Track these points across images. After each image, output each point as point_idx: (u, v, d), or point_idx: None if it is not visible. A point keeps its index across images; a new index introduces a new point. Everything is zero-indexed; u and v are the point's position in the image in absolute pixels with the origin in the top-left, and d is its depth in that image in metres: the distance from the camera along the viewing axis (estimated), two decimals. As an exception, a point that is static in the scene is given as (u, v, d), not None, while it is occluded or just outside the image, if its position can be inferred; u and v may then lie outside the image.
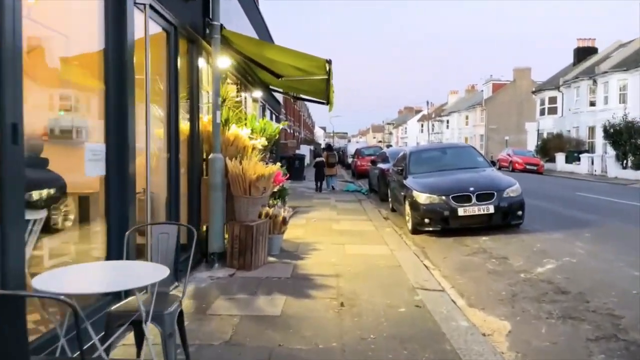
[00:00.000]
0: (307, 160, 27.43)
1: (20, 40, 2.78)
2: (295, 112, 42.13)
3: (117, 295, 3.43)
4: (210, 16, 6.22)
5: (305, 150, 32.52)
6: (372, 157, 20.40)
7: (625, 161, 26.48)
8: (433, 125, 72.31)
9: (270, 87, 12.04)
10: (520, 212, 8.94)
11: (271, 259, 6.76)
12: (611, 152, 27.93)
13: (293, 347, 3.80)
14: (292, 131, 37.28)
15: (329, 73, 6.83)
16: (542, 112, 41.19)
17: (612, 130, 27.10)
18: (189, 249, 5.89)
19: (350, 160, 32.23)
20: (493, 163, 12.14)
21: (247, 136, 7.00)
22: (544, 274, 6.14)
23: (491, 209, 8.66)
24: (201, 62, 6.49)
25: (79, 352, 1.91)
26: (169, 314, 3.04)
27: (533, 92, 44.22)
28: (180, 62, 5.64)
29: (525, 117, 47.89)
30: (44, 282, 2.61)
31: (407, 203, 9.55)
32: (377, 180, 15.68)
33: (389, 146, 57.59)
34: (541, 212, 10.94)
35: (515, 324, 4.59)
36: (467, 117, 59.70)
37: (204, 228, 6.46)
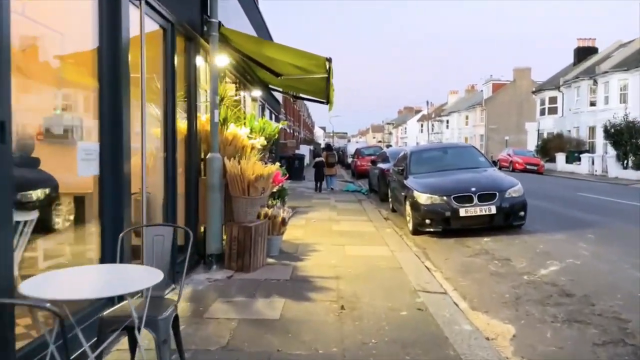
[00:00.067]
0: (306, 160, 27.33)
1: (7, 36, 2.67)
2: (295, 112, 42.02)
3: (110, 299, 3.33)
4: (208, 13, 6.11)
5: (304, 150, 32.40)
6: (372, 157, 20.30)
7: (626, 161, 26.39)
8: (433, 125, 72.22)
9: (270, 86, 11.93)
10: (522, 213, 8.83)
11: (270, 260, 6.65)
12: (612, 152, 27.84)
13: (292, 352, 3.69)
14: (291, 131, 37.17)
15: (329, 71, 6.72)
16: (542, 112, 41.11)
17: (613, 130, 27.01)
18: (186, 251, 5.80)
19: (350, 160, 32.12)
20: (494, 163, 12.02)
21: (245, 136, 6.90)
22: (547, 276, 6.03)
23: (493, 210, 8.56)
24: (199, 60, 6.39)
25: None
26: (163, 320, 2.94)
27: (533, 92, 44.13)
28: (177, 59, 5.53)
29: (525, 117, 47.81)
30: (33, 286, 2.51)
31: (407, 203, 9.44)
32: (377, 180, 15.58)
33: (388, 146, 57.49)
34: (543, 213, 10.84)
35: (520, 327, 4.49)
36: (467, 117, 59.62)
37: (202, 229, 6.35)
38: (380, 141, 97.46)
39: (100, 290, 2.61)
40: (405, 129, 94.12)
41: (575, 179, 25.23)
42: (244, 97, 10.55)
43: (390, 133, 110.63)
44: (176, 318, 3.23)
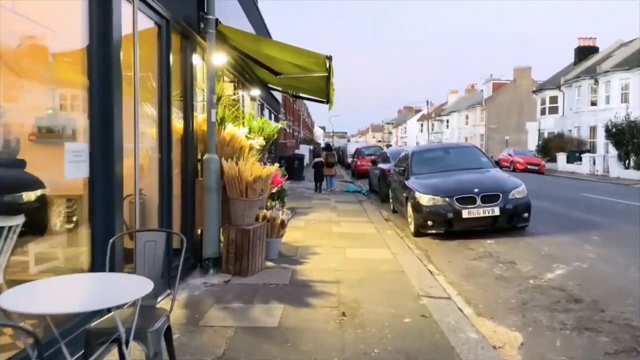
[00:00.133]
0: (306, 160, 27.16)
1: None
2: (295, 112, 41.84)
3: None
4: (205, 10, 5.93)
5: (304, 150, 32.23)
6: (373, 157, 20.13)
7: (627, 161, 26.23)
8: (433, 124, 72.05)
9: (269, 85, 11.76)
10: (526, 215, 8.66)
11: (269, 263, 6.48)
12: (613, 152, 27.68)
13: (291, 363, 3.52)
14: (291, 131, 37.00)
15: (329, 70, 6.55)
16: (542, 112, 40.94)
17: (614, 129, 26.85)
18: (180, 257, 5.64)
19: (350, 160, 31.95)
20: (497, 163, 11.86)
21: (244, 136, 6.73)
22: (554, 280, 5.87)
23: (496, 211, 8.39)
24: (196, 59, 6.21)
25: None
26: (153, 332, 2.77)
27: (534, 92, 43.97)
28: (173, 57, 5.36)
29: (526, 117, 47.65)
30: (14, 298, 2.34)
31: (409, 205, 9.27)
32: (378, 181, 15.42)
33: (388, 146, 57.38)
34: (546, 214, 10.68)
35: (528, 335, 4.32)
36: (467, 117, 59.46)
37: (199, 232, 6.18)
38: (380, 141, 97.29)
39: (85, 303, 2.44)
40: (405, 128, 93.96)
41: (576, 179, 25.08)
42: (243, 96, 10.38)
43: (390, 133, 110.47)
44: (168, 329, 3.07)
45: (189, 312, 4.59)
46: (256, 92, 11.12)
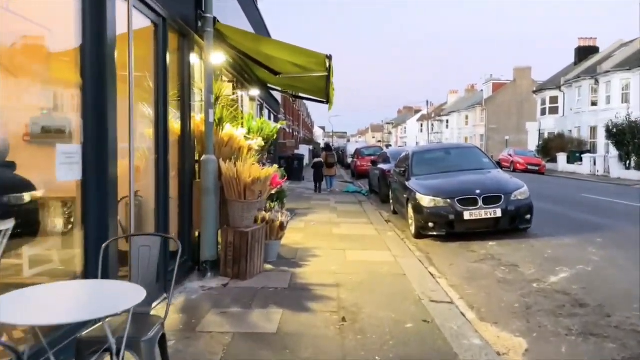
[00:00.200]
0: (306, 160, 27.05)
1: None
2: (295, 112, 41.73)
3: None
4: (203, 8, 5.83)
5: (304, 150, 32.13)
6: (373, 158, 20.03)
7: (628, 161, 26.12)
8: (432, 125, 71.95)
9: (269, 85, 11.65)
10: (528, 216, 8.56)
11: (268, 266, 6.37)
12: (614, 152, 27.58)
13: (290, 371, 3.42)
14: (291, 131, 36.88)
15: (329, 70, 6.44)
16: (543, 112, 40.85)
17: (615, 130, 26.74)
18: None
19: (349, 160, 31.84)
20: (497, 164, 11.75)
21: (242, 136, 6.62)
22: (558, 284, 5.76)
23: (498, 213, 8.28)
24: (193, 58, 6.11)
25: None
26: (147, 341, 2.66)
27: (534, 92, 43.87)
28: (170, 57, 5.25)
29: (526, 117, 47.57)
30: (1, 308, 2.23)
31: (410, 206, 9.16)
32: (378, 181, 15.32)
33: (388, 146, 57.30)
34: (548, 215, 10.57)
35: (532, 341, 4.22)
36: (467, 117, 59.37)
37: (196, 234, 6.07)
38: (379, 141, 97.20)
39: (73, 313, 2.32)
40: (405, 128, 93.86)
41: (577, 180, 24.98)
42: (242, 96, 10.27)
43: (390, 133, 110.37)
44: (163, 337, 2.96)
45: (185, 317, 4.48)
46: (255, 92, 11.02)
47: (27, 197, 3.25)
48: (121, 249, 4.00)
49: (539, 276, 6.10)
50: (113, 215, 3.76)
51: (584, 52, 40.31)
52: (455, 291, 5.67)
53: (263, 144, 7.47)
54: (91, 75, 3.58)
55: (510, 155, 33.53)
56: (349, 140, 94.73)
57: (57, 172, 3.27)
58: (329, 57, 6.20)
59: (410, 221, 9.21)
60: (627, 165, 26.09)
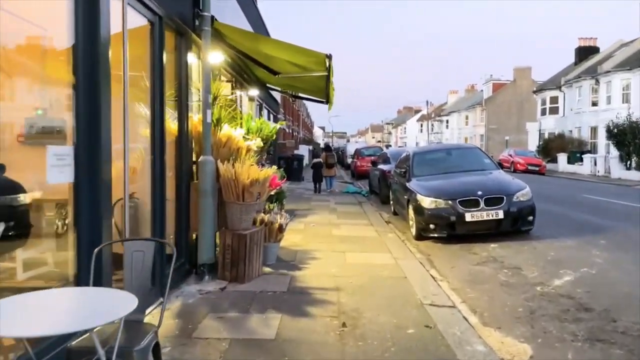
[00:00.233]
0: (305, 161, 26.95)
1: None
2: (294, 112, 41.63)
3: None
4: (200, 7, 5.73)
5: (304, 150, 32.02)
6: (373, 158, 19.93)
7: (629, 162, 26.01)
8: (432, 125, 71.86)
9: (268, 85, 11.54)
10: (531, 218, 8.45)
11: (266, 269, 6.27)
12: (614, 152, 27.48)
13: (289, 380, 3.32)
14: (290, 131, 36.78)
15: (329, 69, 6.34)
16: (543, 112, 40.75)
17: (616, 130, 26.64)
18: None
19: (349, 160, 31.73)
20: (499, 164, 11.65)
21: (241, 137, 6.52)
22: (562, 287, 5.66)
23: (500, 214, 8.17)
24: (191, 57, 6.00)
25: None
26: (140, 351, 2.56)
27: (534, 92, 43.77)
28: (166, 56, 5.15)
29: (526, 117, 47.46)
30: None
31: (410, 207, 9.06)
32: (378, 182, 15.21)
33: (388, 146, 57.21)
34: (549, 216, 10.46)
35: (537, 347, 4.11)
36: (467, 117, 59.28)
37: (194, 236, 5.96)
38: (379, 141, 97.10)
39: (61, 325, 2.21)
40: (405, 128, 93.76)
41: (577, 180, 24.88)
42: (241, 96, 10.16)
43: (390, 133, 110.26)
44: (157, 345, 2.86)
45: (181, 323, 4.38)
46: (254, 92, 10.91)
47: (16, 200, 3.15)
48: (118, 252, 3.91)
49: (542, 279, 5.99)
50: (107, 219, 3.65)
51: (584, 52, 40.20)
52: (457, 294, 5.57)
53: (262, 144, 7.37)
54: (84, 75, 3.47)
55: (510, 155, 33.41)
56: (348, 141, 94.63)
57: (48, 175, 3.16)
58: (329, 57, 6.10)
59: (410, 222, 9.11)
60: (628, 166, 25.99)
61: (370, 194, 16.81)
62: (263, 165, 7.61)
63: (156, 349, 2.88)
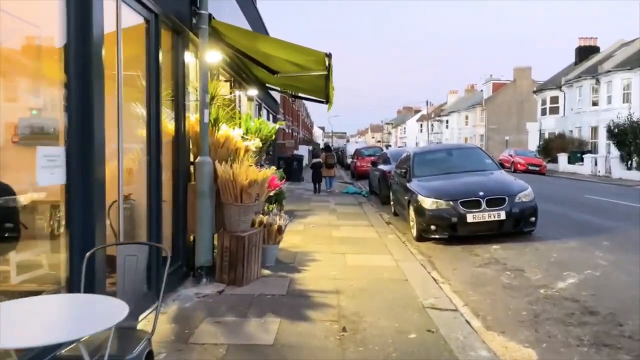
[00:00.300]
0: (305, 161, 26.85)
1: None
2: (294, 112, 41.53)
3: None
4: (197, 5, 5.62)
5: (303, 150, 31.91)
6: (373, 158, 19.83)
7: (630, 162, 25.91)
8: (432, 125, 71.76)
9: (267, 85, 11.44)
10: (533, 219, 8.35)
11: (265, 272, 6.17)
12: (615, 152, 27.38)
13: (287, 388, 3.22)
14: (290, 131, 36.69)
15: (328, 68, 6.23)
16: (543, 112, 40.65)
17: (616, 130, 26.54)
18: (173, 263, 5.31)
19: (349, 160, 31.63)
20: (502, 165, 11.54)
21: (239, 137, 6.42)
22: (566, 290, 5.56)
23: (502, 215, 8.07)
24: (188, 56, 5.90)
25: None
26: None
27: (534, 92, 43.68)
28: (163, 55, 5.05)
29: (526, 117, 47.37)
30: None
31: (411, 208, 8.96)
32: (378, 182, 15.11)
33: (387, 146, 57.11)
34: (551, 217, 10.36)
35: (542, 352, 4.02)
36: (466, 117, 59.19)
37: (191, 239, 5.86)
38: (379, 141, 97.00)
39: (50, 333, 2.10)
40: (405, 129, 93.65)
41: (578, 180, 24.79)
42: (239, 96, 10.07)
43: (390, 133, 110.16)
44: (150, 354, 2.76)
45: (178, 328, 4.27)
46: (253, 92, 10.81)
47: (6, 202, 3.05)
48: (113, 254, 3.81)
49: (545, 282, 5.89)
50: (100, 222, 3.55)
51: (585, 52, 40.10)
52: (459, 297, 5.47)
53: (261, 144, 7.27)
54: (76, 74, 3.37)
55: (510, 155, 33.31)
56: (348, 141, 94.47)
57: (38, 176, 3.06)
58: (329, 56, 5.99)
59: (411, 223, 9.01)
60: (629, 166, 25.89)
61: (370, 195, 16.71)
62: (262, 165, 7.52)
63: (149, 357, 2.78)
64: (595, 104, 33.25)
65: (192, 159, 6.00)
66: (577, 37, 42.01)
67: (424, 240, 8.51)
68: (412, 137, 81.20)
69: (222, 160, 5.83)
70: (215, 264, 5.69)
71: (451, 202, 8.20)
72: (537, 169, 30.39)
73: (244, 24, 9.66)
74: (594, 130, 33.20)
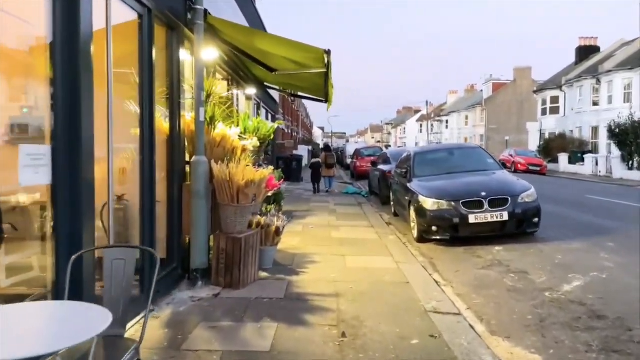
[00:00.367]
0: (305, 161, 26.71)
1: None
2: (294, 112, 41.38)
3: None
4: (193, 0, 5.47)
5: (303, 150, 31.76)
6: (373, 158, 19.68)
7: (631, 162, 25.77)
8: (432, 125, 71.63)
9: (266, 84, 11.29)
10: (536, 220, 8.19)
11: (263, 274, 6.02)
12: (616, 152, 27.24)
13: (284, 398, 3.06)
14: (289, 131, 36.55)
15: (327, 65, 6.08)
16: (543, 112, 40.52)
17: (617, 130, 26.39)
18: (167, 265, 5.16)
19: (349, 161, 31.48)
20: (504, 165, 11.37)
21: (236, 136, 6.26)
22: (572, 293, 5.40)
23: (505, 216, 7.92)
24: (183, 53, 5.74)
25: None
26: (117, 372, 2.30)
27: (534, 92, 43.54)
28: (157, 51, 4.89)
29: (526, 117, 47.25)
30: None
31: (412, 209, 8.81)
32: (378, 183, 14.96)
33: (387, 146, 56.95)
34: (554, 218, 10.20)
35: (549, 358, 3.87)
36: (466, 117, 59.07)
37: (187, 240, 5.71)
38: (379, 141, 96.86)
39: (27, 345, 1.94)
40: (404, 129, 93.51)
41: (579, 180, 24.64)
42: (237, 95, 9.92)
43: (389, 133, 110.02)
44: (138, 364, 2.60)
45: (171, 333, 4.12)
46: (252, 90, 10.65)
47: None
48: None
49: (551, 284, 5.74)
50: (88, 223, 3.39)
51: (585, 52, 39.98)
52: (462, 301, 5.31)
53: (258, 144, 7.11)
54: (62, 70, 3.21)
55: (511, 155, 33.14)
56: (348, 141, 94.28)
57: (20, 176, 2.90)
58: (328, 52, 5.84)
59: (412, 224, 8.86)
60: (630, 166, 25.75)
61: (370, 195, 16.56)
62: (260, 165, 7.36)
63: (138, 367, 2.63)
64: (595, 103, 33.12)
65: (187, 159, 5.84)
66: (577, 37, 41.96)
67: (425, 242, 8.36)
68: (412, 138, 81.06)
69: (219, 160, 5.68)
70: (211, 267, 5.54)
71: (453, 203, 8.05)
72: (538, 169, 30.24)
73: (243, 23, 9.50)
74: (595, 130, 33.07)
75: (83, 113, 3.30)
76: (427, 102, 70.36)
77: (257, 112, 13.41)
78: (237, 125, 7.11)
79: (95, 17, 3.55)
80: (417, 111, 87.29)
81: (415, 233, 8.64)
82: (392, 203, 11.70)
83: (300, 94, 11.14)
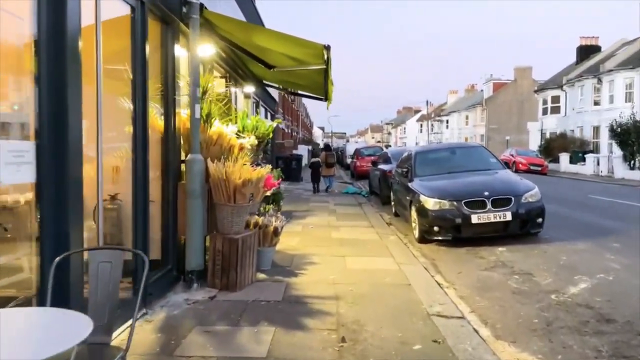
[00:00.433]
0: (304, 161, 26.56)
1: None
2: (293, 111, 41.23)
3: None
4: (188, -7, 5.31)
5: (303, 150, 31.62)
6: (373, 158, 19.54)
7: (633, 162, 25.62)
8: (432, 125, 71.47)
9: (265, 82, 11.14)
10: (540, 220, 8.03)
11: (260, 275, 5.86)
12: (617, 152, 27.10)
13: (280, 408, 2.91)
14: (289, 131, 36.40)
15: (327, 62, 5.92)
16: (544, 112, 40.37)
17: (619, 129, 26.25)
18: (162, 267, 5.00)
19: (349, 160, 31.34)
20: (507, 164, 11.23)
21: (233, 134, 6.11)
22: (579, 296, 5.25)
23: (508, 216, 7.76)
24: (178, 48, 5.59)
25: None
26: (100, 383, 2.15)
27: (535, 91, 43.39)
28: (150, 46, 4.73)
29: (527, 117, 47.11)
30: None
31: (413, 208, 8.65)
32: (379, 182, 14.81)
33: (387, 146, 56.79)
34: (556, 218, 10.04)
35: (558, 365, 3.71)
36: (467, 117, 58.92)
37: (182, 240, 5.55)
38: (379, 141, 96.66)
39: (2, 355, 1.81)
40: (405, 129, 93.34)
41: (580, 180, 24.49)
42: (236, 93, 9.76)
43: (389, 133, 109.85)
44: (124, 374, 2.45)
45: (164, 338, 3.96)
46: (250, 88, 10.50)
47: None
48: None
49: (556, 286, 5.58)
50: (76, 224, 3.24)
51: (586, 51, 39.84)
52: (465, 303, 5.16)
53: (256, 142, 6.95)
54: (48, 65, 3.06)
55: (512, 155, 32.97)
56: (348, 141, 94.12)
57: (1, 174, 2.74)
58: (327, 48, 5.68)
59: (413, 224, 8.71)
60: (632, 166, 25.60)
61: (370, 195, 16.41)
62: (259, 164, 7.21)
63: (125, 377, 2.47)
64: (597, 103, 32.96)
65: (183, 157, 5.69)
66: (577, 36, 41.82)
67: (427, 242, 8.20)
68: (412, 137, 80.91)
69: (215, 158, 5.52)
70: (207, 268, 5.38)
71: (455, 203, 7.89)
72: (539, 169, 30.10)
73: (241, 19, 9.34)
74: (596, 129, 32.91)
75: (70, 110, 3.15)
76: (427, 102, 70.23)
77: (255, 111, 13.26)
78: (235, 123, 6.96)
79: (85, 11, 3.41)
80: (417, 111, 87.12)
81: (416, 233, 8.49)
82: (392, 203, 11.55)
83: (299, 91, 10.99)
